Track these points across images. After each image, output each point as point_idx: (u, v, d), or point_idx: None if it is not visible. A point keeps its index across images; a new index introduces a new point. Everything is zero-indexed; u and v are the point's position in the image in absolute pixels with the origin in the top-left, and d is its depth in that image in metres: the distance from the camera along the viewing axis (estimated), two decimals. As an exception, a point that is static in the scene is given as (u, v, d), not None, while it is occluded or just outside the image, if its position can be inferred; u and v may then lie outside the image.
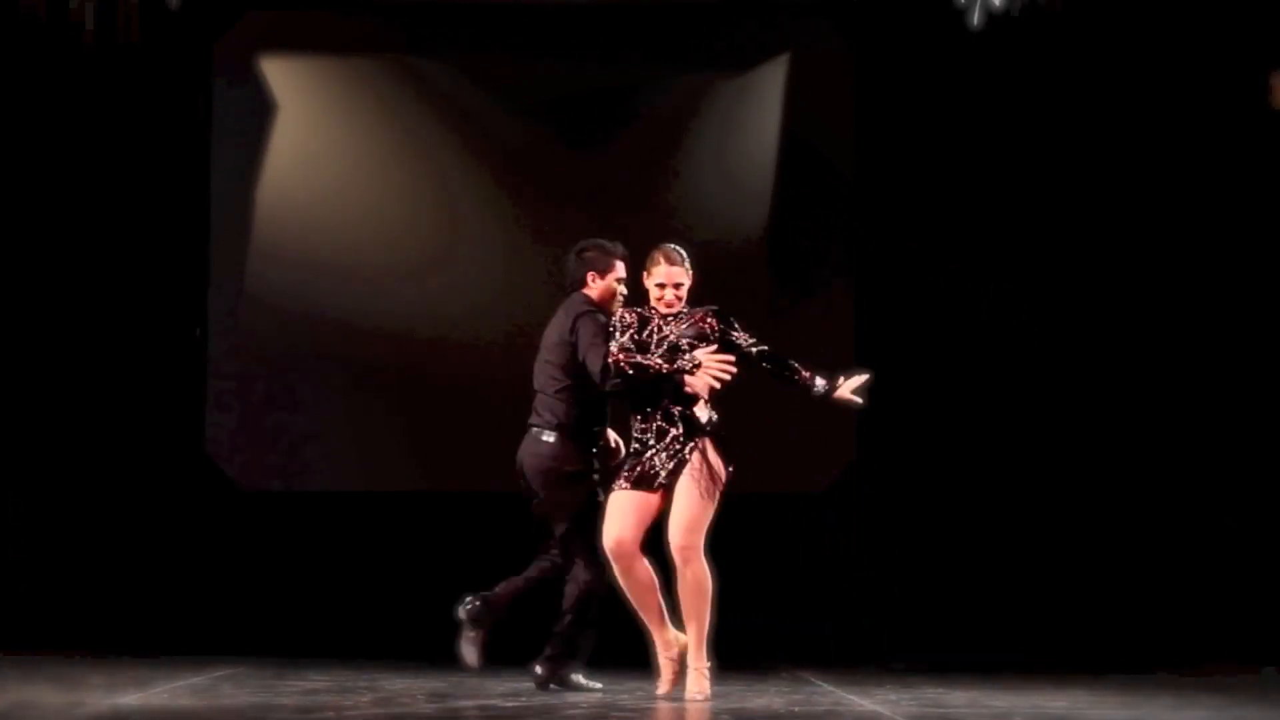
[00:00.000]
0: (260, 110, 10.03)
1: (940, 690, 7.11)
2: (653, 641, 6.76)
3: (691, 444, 6.63)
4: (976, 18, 9.40)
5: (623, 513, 6.62)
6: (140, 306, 9.91)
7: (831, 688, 7.22)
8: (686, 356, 6.64)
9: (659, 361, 6.65)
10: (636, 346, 6.71)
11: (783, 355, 6.82)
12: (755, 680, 7.34)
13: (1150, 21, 9.78)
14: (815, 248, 10.06)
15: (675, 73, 10.11)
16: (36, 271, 9.86)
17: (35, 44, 9.71)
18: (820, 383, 6.78)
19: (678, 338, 6.71)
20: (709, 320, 6.79)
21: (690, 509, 6.57)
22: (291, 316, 9.95)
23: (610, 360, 6.70)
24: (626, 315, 6.82)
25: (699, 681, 6.59)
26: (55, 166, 9.87)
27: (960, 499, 9.83)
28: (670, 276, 6.76)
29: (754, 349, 6.78)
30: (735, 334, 6.79)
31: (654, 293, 6.79)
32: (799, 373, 6.79)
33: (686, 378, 6.60)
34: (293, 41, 10.15)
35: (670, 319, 6.78)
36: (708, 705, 6.40)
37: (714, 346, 6.67)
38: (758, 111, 10.10)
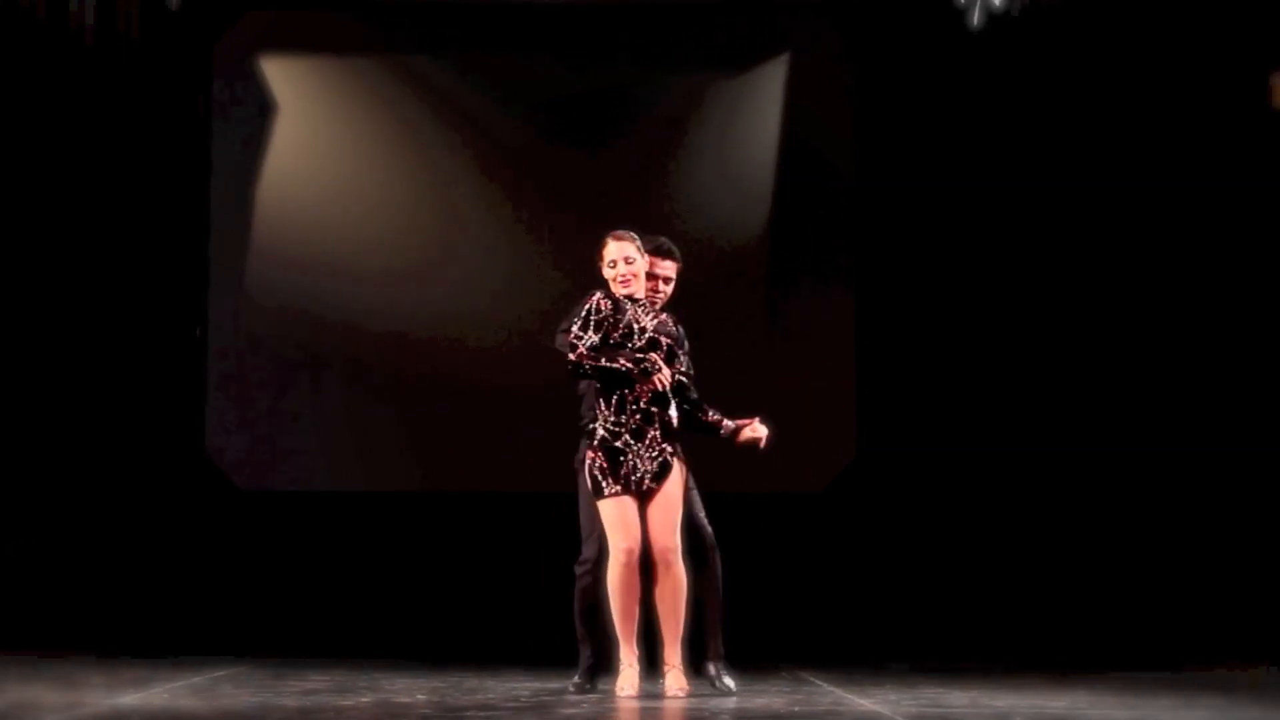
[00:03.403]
0: (260, 110, 10.03)
1: (940, 690, 7.10)
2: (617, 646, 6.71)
3: (670, 448, 6.68)
4: (976, 18, 9.40)
5: (631, 520, 6.61)
6: (140, 306, 9.91)
7: (831, 688, 7.21)
8: (650, 358, 6.65)
9: (626, 363, 6.64)
10: (608, 341, 6.69)
11: (694, 393, 6.86)
12: (755, 680, 7.33)
13: (1150, 22, 9.79)
14: (815, 248, 10.06)
15: (675, 73, 10.11)
16: (36, 271, 9.86)
17: (35, 43, 9.72)
18: (728, 424, 6.83)
19: (655, 332, 6.75)
20: (669, 321, 6.84)
21: (674, 512, 6.65)
22: (291, 316, 9.95)
23: (576, 358, 6.68)
24: (605, 303, 6.78)
25: (679, 679, 6.65)
26: (55, 166, 9.87)
27: (960, 499, 9.83)
28: (621, 251, 6.78)
29: (684, 374, 6.83)
30: (681, 353, 6.85)
31: (608, 273, 6.80)
32: (706, 412, 6.87)
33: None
34: (293, 41, 10.15)
35: (642, 309, 6.80)
36: (709, 703, 6.41)
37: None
38: (758, 111, 10.10)
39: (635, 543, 6.59)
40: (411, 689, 6.90)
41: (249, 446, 9.95)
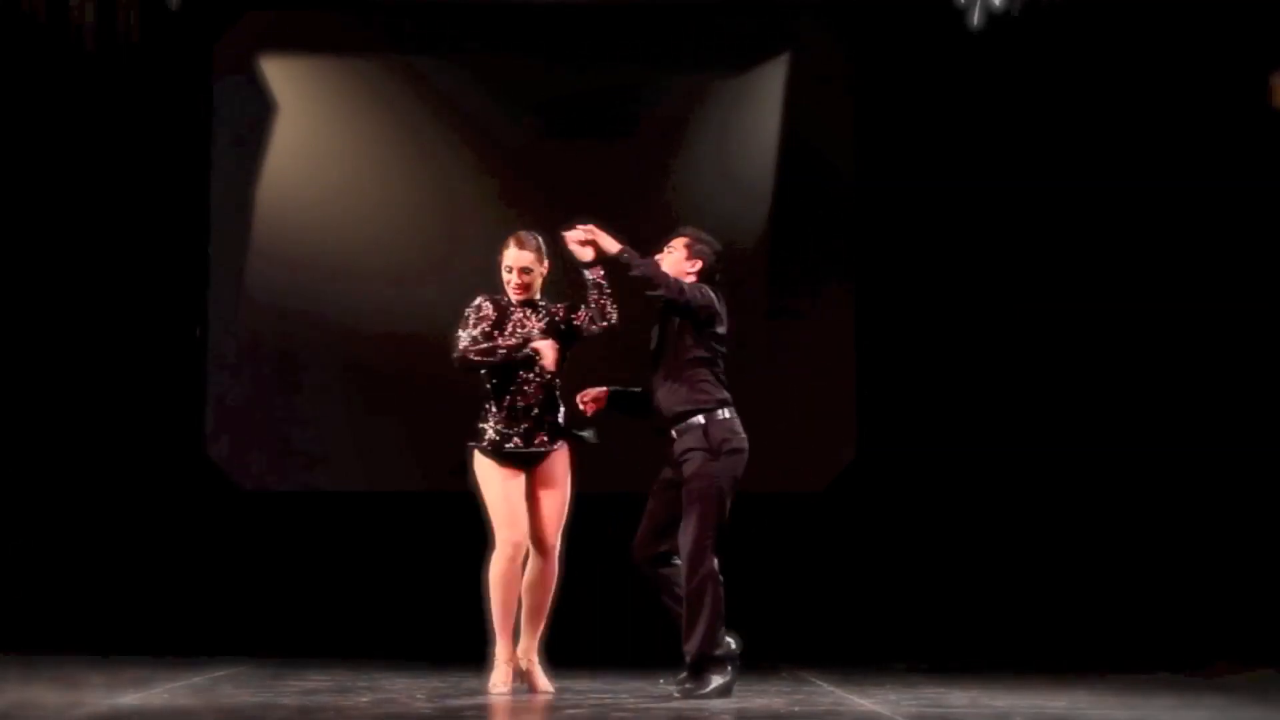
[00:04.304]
0: (260, 110, 10.04)
1: (940, 690, 7.11)
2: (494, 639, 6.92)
3: (557, 444, 6.83)
4: (976, 18, 9.40)
5: (519, 513, 6.81)
6: (140, 306, 9.92)
7: (831, 688, 7.22)
8: (530, 346, 6.74)
9: (503, 349, 6.75)
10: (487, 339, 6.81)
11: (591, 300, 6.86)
12: (755, 680, 7.34)
13: (1150, 22, 9.79)
14: (815, 248, 10.07)
15: (675, 73, 10.11)
16: (37, 272, 9.86)
17: (35, 44, 9.72)
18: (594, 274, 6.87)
19: (533, 330, 6.83)
20: (558, 311, 6.92)
21: (562, 510, 6.84)
22: (291, 316, 9.95)
23: (457, 356, 6.80)
24: (486, 305, 6.90)
25: (542, 679, 6.87)
26: (56, 167, 9.88)
27: (960, 499, 9.83)
28: (518, 260, 6.89)
29: (585, 323, 6.87)
30: (575, 316, 6.90)
31: (504, 277, 6.92)
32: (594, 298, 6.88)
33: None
34: (293, 41, 10.16)
35: (531, 311, 6.88)
36: (710, 703, 6.41)
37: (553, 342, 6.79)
38: (758, 111, 10.10)
39: (523, 536, 6.76)
40: (411, 689, 6.90)
41: (249, 446, 9.95)
